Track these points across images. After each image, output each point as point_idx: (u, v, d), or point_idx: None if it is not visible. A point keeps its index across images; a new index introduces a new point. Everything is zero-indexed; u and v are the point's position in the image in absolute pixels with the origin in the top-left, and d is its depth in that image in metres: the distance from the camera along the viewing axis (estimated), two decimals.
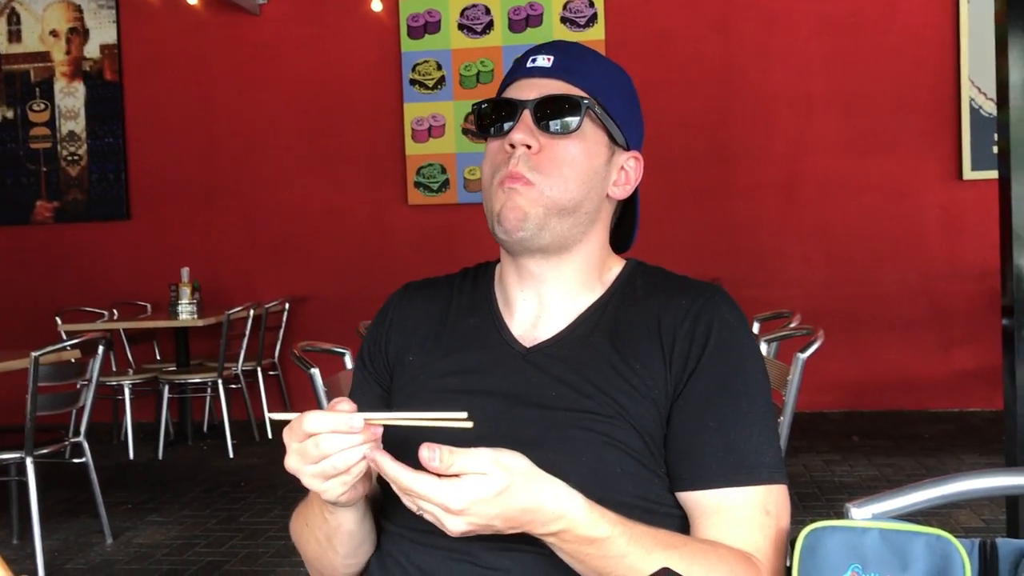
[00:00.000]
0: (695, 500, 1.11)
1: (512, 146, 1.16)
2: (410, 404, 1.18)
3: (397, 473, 0.94)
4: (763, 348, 2.21)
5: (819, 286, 5.99)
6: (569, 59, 1.20)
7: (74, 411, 4.00)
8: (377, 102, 6.35)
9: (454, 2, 6.23)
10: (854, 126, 5.96)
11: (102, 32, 6.58)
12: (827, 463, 4.84)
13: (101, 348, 3.81)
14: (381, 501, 1.18)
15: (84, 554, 3.89)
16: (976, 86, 5.79)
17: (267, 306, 5.94)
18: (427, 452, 0.92)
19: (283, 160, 6.46)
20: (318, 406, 1.84)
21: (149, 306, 6.36)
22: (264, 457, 5.42)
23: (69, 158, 6.65)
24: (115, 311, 6.21)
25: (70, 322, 5.77)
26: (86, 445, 3.88)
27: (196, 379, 5.61)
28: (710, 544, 1.07)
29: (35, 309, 6.37)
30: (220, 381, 5.51)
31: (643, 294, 1.21)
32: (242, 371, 5.74)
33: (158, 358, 6.37)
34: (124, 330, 6.17)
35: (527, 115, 1.17)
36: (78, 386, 3.86)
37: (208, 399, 6.11)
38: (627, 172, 1.23)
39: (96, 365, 3.80)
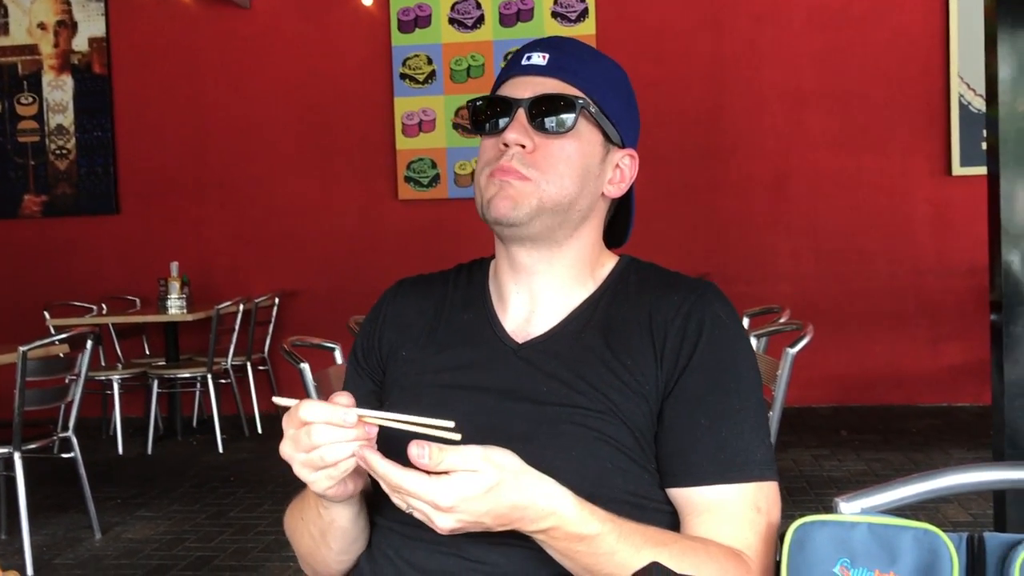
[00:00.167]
0: (686, 497, 1.11)
1: (506, 144, 1.16)
2: (403, 399, 1.18)
3: (386, 471, 0.94)
4: (753, 343, 2.22)
5: (809, 281, 6.01)
6: (564, 57, 1.20)
7: (62, 406, 3.98)
8: (367, 96, 6.33)
9: None
10: (844, 122, 5.98)
11: (91, 25, 6.55)
12: (816, 458, 4.86)
13: (90, 343, 3.80)
14: (372, 496, 1.18)
15: (73, 549, 3.88)
16: (965, 82, 5.81)
17: (257, 301, 5.92)
18: (416, 450, 0.92)
19: (273, 154, 6.44)
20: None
21: (138, 300, 6.34)
22: (254, 452, 5.41)
23: (57, 152, 6.61)
24: (104, 305, 6.19)
25: (58, 316, 5.74)
26: (74, 440, 3.87)
27: (185, 374, 5.60)
28: (700, 541, 1.07)
29: (23, 303, 6.33)
30: (209, 376, 5.50)
31: (636, 290, 1.21)
32: (232, 366, 5.72)
33: (147, 353, 6.35)
34: (113, 325, 6.15)
35: (521, 114, 1.16)
36: (66, 381, 3.85)
37: (197, 394, 6.09)
38: (622, 170, 1.23)
39: (85, 360, 3.79)
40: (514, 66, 1.21)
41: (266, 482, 4.75)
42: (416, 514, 0.96)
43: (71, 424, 3.86)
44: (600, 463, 1.10)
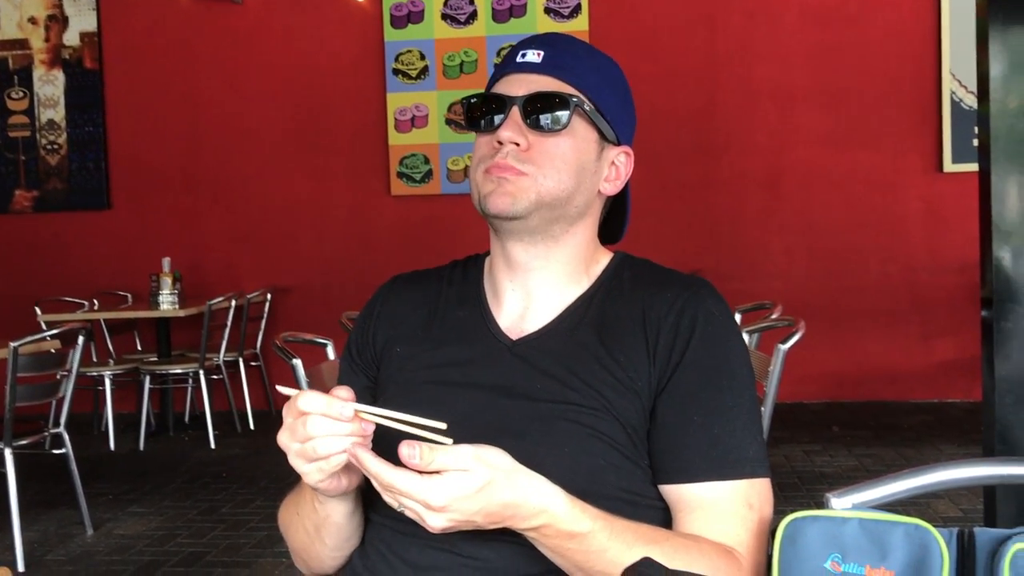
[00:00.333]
0: (678, 493, 1.11)
1: (500, 142, 1.16)
2: (397, 395, 1.18)
3: (378, 469, 0.95)
4: (745, 339, 2.22)
5: (801, 278, 6.02)
6: (559, 54, 1.19)
7: (54, 402, 3.97)
8: (360, 92, 6.32)
9: None
10: (836, 119, 5.99)
11: (82, 19, 6.52)
12: (808, 453, 4.87)
13: (81, 338, 3.78)
14: (366, 493, 1.18)
15: (64, 545, 3.87)
16: (957, 79, 5.83)
17: (249, 296, 5.91)
18: (407, 450, 0.93)
19: (265, 150, 6.42)
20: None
21: (130, 296, 6.32)
22: (246, 448, 5.40)
23: (48, 147, 6.59)
24: (95, 301, 6.17)
25: (50, 312, 5.72)
26: (66, 436, 3.86)
27: (177, 370, 5.58)
28: (692, 539, 1.07)
29: (14, 299, 6.30)
30: (202, 372, 5.49)
31: (629, 287, 1.21)
32: (224, 362, 5.71)
33: (139, 348, 6.34)
34: (105, 320, 6.13)
35: (516, 112, 1.16)
36: (58, 377, 3.84)
37: (189, 390, 6.08)
38: (618, 167, 1.23)
39: (76, 355, 3.78)
40: (509, 63, 1.21)
41: (258, 478, 4.74)
42: (408, 513, 0.96)
43: (62, 420, 3.85)
44: (593, 459, 1.10)
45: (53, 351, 3.85)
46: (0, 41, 6.61)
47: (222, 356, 5.66)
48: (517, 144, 1.15)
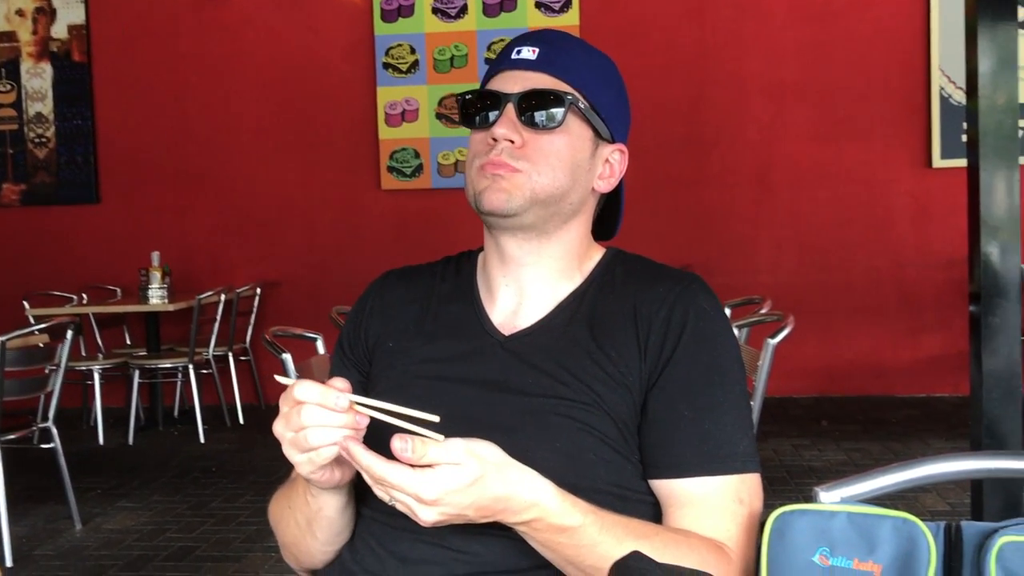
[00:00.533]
0: (669, 488, 1.12)
1: (495, 139, 1.16)
2: (389, 390, 1.18)
3: (370, 463, 0.95)
4: (735, 334, 2.23)
5: (790, 272, 6.03)
6: (555, 51, 1.19)
7: (42, 396, 3.95)
8: (350, 86, 6.30)
9: None
10: (826, 114, 6.00)
11: (70, 12, 6.48)
12: (796, 447, 4.89)
13: (70, 332, 3.77)
14: (357, 487, 1.18)
15: (53, 540, 3.86)
16: (946, 75, 5.85)
17: (238, 291, 5.90)
18: (400, 443, 0.93)
19: (255, 143, 6.40)
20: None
21: (119, 290, 6.30)
22: (235, 443, 5.39)
23: (36, 140, 6.55)
24: (84, 295, 6.15)
25: (38, 306, 5.69)
26: (54, 430, 3.84)
27: (167, 364, 5.57)
28: (682, 534, 1.08)
29: (2, 293, 6.27)
30: (191, 366, 5.47)
31: (621, 282, 1.22)
32: (213, 356, 5.70)
33: (128, 343, 6.31)
34: (93, 314, 6.11)
35: (510, 109, 1.16)
36: (46, 371, 3.82)
37: (179, 384, 6.06)
38: (612, 165, 1.23)
39: (65, 350, 3.76)
40: (504, 60, 1.21)
41: (248, 472, 4.74)
42: (399, 507, 0.96)
43: (51, 414, 3.83)
44: (584, 454, 1.10)
45: (41, 345, 3.84)
46: None
47: (211, 350, 5.65)
48: (512, 141, 1.15)
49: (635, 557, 0.85)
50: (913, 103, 5.92)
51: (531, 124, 1.16)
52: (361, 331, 1.28)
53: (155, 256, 5.71)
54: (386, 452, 0.94)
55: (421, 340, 1.23)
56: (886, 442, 4.96)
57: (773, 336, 2.07)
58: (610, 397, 1.12)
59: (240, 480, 4.62)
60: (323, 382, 1.00)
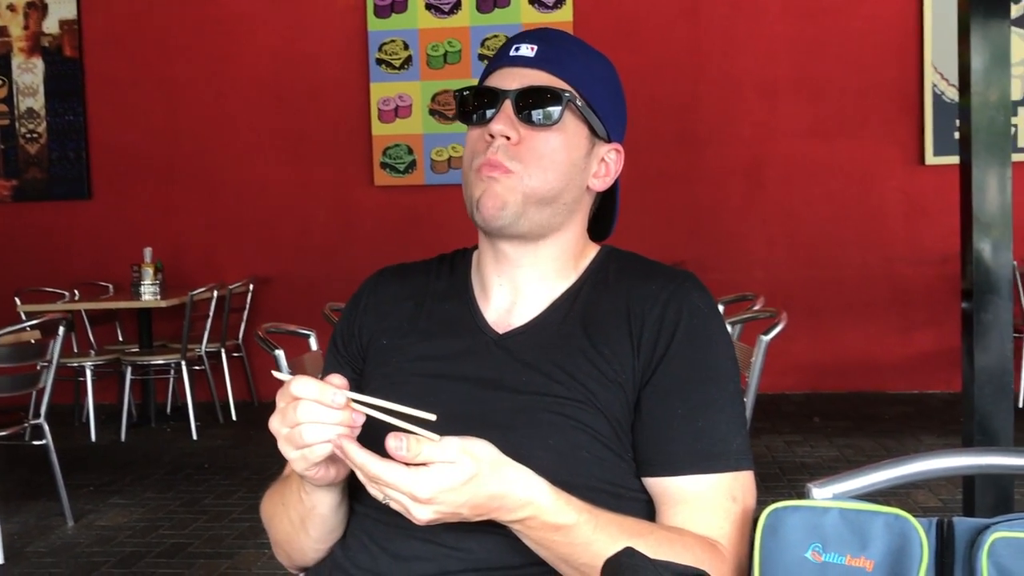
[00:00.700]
0: (662, 486, 1.12)
1: (492, 136, 1.16)
2: (383, 388, 1.18)
3: (364, 461, 0.94)
4: (728, 331, 2.23)
5: (783, 269, 6.04)
6: (553, 49, 1.20)
7: (34, 393, 3.94)
8: (343, 81, 6.29)
9: None
10: (819, 111, 6.01)
11: (61, 7, 6.45)
12: (789, 444, 4.90)
13: (62, 329, 3.76)
14: (350, 483, 1.18)
15: (45, 537, 3.85)
16: (939, 72, 5.86)
17: (231, 287, 5.88)
18: (394, 442, 0.93)
19: (248, 139, 6.39)
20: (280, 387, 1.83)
21: (111, 287, 6.28)
22: (228, 439, 5.38)
23: (28, 136, 6.53)
24: (76, 292, 6.12)
25: (30, 302, 5.68)
26: (46, 427, 3.83)
27: (159, 361, 5.56)
28: (676, 532, 1.08)
29: None
30: (183, 363, 5.46)
31: (615, 279, 1.22)
32: (206, 353, 5.68)
33: (120, 339, 6.30)
34: (85, 311, 6.09)
35: (508, 105, 1.16)
36: (38, 367, 3.81)
37: (171, 381, 6.05)
38: (607, 164, 1.24)
39: (56, 346, 3.75)
40: (502, 57, 1.21)
41: (240, 469, 4.73)
42: (393, 505, 0.96)
43: (43, 411, 3.82)
44: (577, 451, 1.10)
45: (33, 341, 3.82)
46: None
47: (204, 347, 5.64)
48: (508, 138, 1.16)
49: (628, 554, 0.86)
50: (906, 100, 5.93)
51: (528, 121, 1.16)
52: (355, 328, 1.28)
53: (147, 252, 5.70)
54: (380, 450, 0.94)
55: (415, 338, 1.23)
56: (878, 438, 4.97)
57: (766, 333, 2.07)
58: (603, 395, 1.13)
59: (233, 477, 4.61)
60: (319, 379, 1.00)
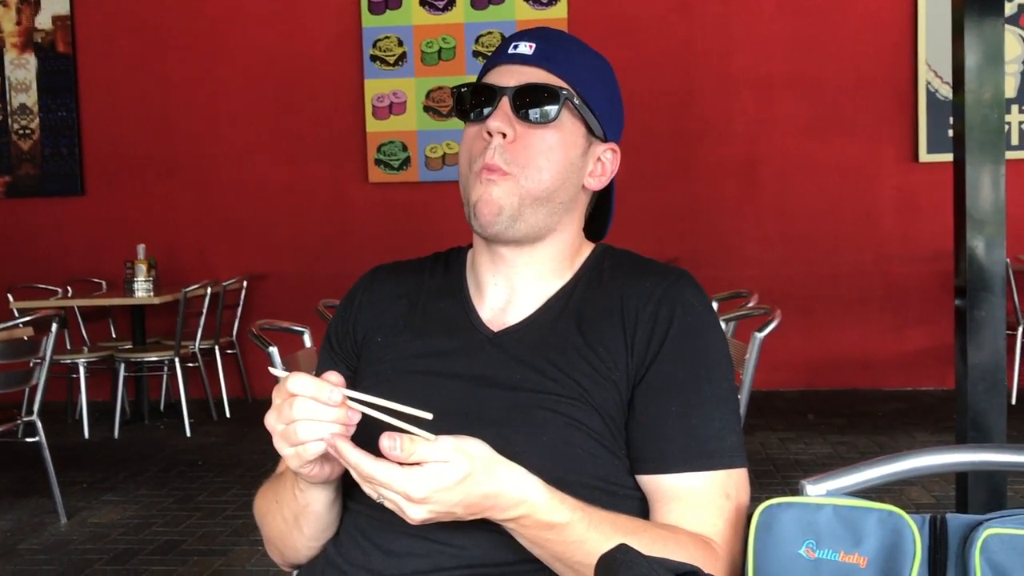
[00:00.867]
0: (656, 484, 1.12)
1: (489, 133, 1.16)
2: (377, 385, 1.18)
3: (358, 460, 0.94)
4: (722, 328, 2.23)
5: (777, 266, 6.05)
6: (551, 48, 1.20)
7: (27, 390, 3.93)
8: (337, 78, 6.28)
9: None
10: (813, 108, 6.02)
11: (54, 3, 6.43)
12: (782, 441, 4.91)
13: (55, 326, 3.74)
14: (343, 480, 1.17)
15: (37, 534, 3.84)
16: (933, 70, 5.87)
17: (225, 284, 5.87)
18: (388, 441, 0.93)
19: (241, 135, 6.37)
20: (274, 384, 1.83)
21: (104, 283, 6.26)
22: (222, 436, 5.37)
23: (21, 131, 6.50)
24: (69, 288, 6.11)
25: (22, 299, 5.66)
26: (39, 424, 3.82)
27: (152, 357, 5.54)
28: (669, 530, 1.08)
29: None
30: (177, 359, 5.45)
31: (609, 277, 1.22)
32: (199, 349, 5.67)
33: (113, 336, 6.28)
34: (78, 307, 6.07)
35: (505, 102, 1.17)
36: (31, 364, 3.80)
37: (165, 378, 6.04)
38: (603, 164, 1.24)
39: (49, 343, 3.74)
40: (500, 54, 1.22)
41: (234, 466, 4.72)
42: (387, 504, 0.96)
43: (36, 408, 3.81)
44: (571, 448, 1.10)
45: (26, 338, 3.81)
46: None
47: (198, 344, 5.63)
48: (505, 135, 1.16)
49: (622, 550, 0.86)
50: (900, 98, 5.94)
51: (525, 118, 1.17)
52: (349, 326, 1.28)
53: (141, 249, 5.69)
54: (374, 449, 0.94)
55: (410, 335, 1.23)
56: (872, 435, 4.98)
57: (760, 330, 2.07)
58: (597, 392, 1.13)
59: (226, 474, 4.61)
60: (326, 372, 1.00)
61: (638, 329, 1.15)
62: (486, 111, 1.18)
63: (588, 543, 1.01)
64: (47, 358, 3.75)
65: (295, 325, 2.32)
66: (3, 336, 3.68)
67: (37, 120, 6.49)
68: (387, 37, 6.21)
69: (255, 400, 6.18)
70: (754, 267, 6.02)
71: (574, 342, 1.16)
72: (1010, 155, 5.13)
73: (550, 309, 1.20)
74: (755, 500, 1.07)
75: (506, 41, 1.23)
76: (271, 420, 1.00)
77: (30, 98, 6.49)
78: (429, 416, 0.95)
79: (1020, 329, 5.35)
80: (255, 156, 6.37)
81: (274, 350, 2.01)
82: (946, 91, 5.81)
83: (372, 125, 6.25)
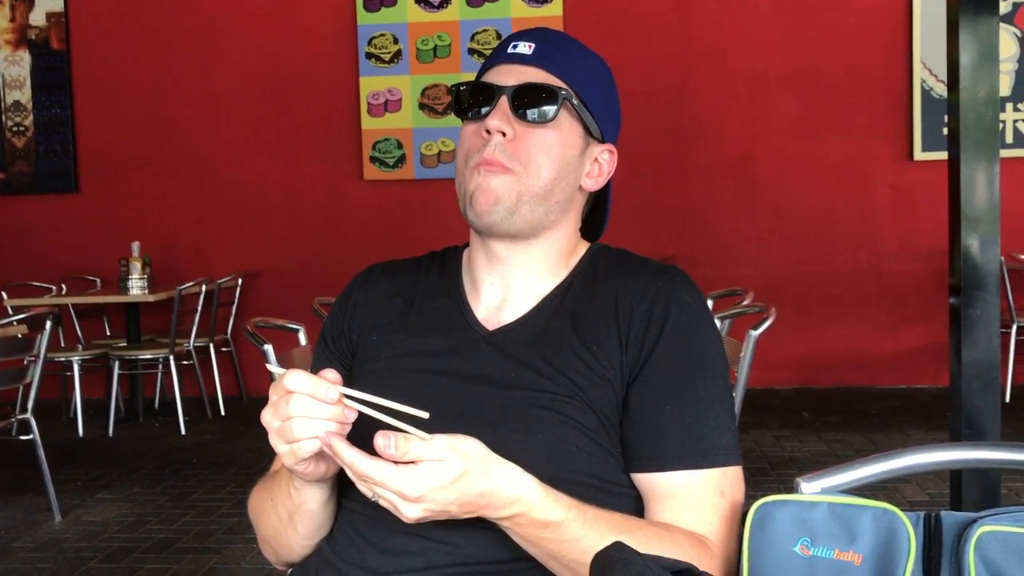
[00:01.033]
0: (650, 482, 1.12)
1: (488, 132, 1.16)
2: (372, 383, 1.18)
3: (353, 459, 0.94)
4: (717, 326, 2.23)
5: (772, 264, 6.06)
6: (550, 48, 1.20)
7: (21, 387, 3.92)
8: (333, 75, 6.27)
9: None
10: (808, 107, 6.02)
11: None
12: (777, 438, 4.92)
13: (49, 323, 3.74)
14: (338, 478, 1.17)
15: (32, 532, 3.83)
16: (928, 68, 5.87)
17: (220, 281, 5.87)
18: (383, 440, 0.92)
19: (236, 133, 6.36)
20: (270, 382, 1.83)
21: (99, 281, 6.25)
22: (217, 434, 5.37)
23: (15, 129, 6.49)
24: (64, 286, 6.10)
25: (16, 297, 5.65)
26: (33, 422, 3.82)
27: (147, 355, 5.53)
28: (664, 528, 1.08)
29: None
30: (172, 357, 5.44)
31: (604, 276, 1.22)
32: (194, 347, 5.67)
33: (108, 334, 6.27)
34: (73, 305, 6.06)
35: (504, 101, 1.17)
36: (25, 362, 3.79)
37: (159, 375, 6.03)
38: (601, 165, 1.24)
39: (44, 340, 3.73)
40: (500, 54, 1.22)
41: (229, 464, 4.72)
42: (382, 503, 0.96)
43: (30, 406, 3.80)
44: (566, 446, 1.10)
45: (20, 336, 3.80)
46: None
47: (192, 341, 5.62)
48: (504, 133, 1.16)
49: (617, 547, 0.86)
50: (895, 96, 5.95)
51: (524, 118, 1.17)
52: (344, 324, 1.28)
53: (135, 246, 5.67)
54: (370, 448, 0.94)
55: (405, 334, 1.23)
56: (867, 433, 4.99)
57: (755, 328, 2.08)
58: (591, 390, 1.13)
59: (221, 472, 4.60)
60: (323, 370, 1.00)
61: (632, 327, 1.15)
62: (484, 110, 1.18)
63: (583, 541, 1.01)
64: (41, 356, 3.74)
65: (290, 323, 2.32)
66: None
67: (31, 117, 6.47)
68: (382, 34, 6.20)
69: (250, 398, 6.17)
70: (749, 265, 6.02)
71: (569, 341, 1.16)
72: (1004, 153, 5.14)
73: (545, 308, 1.20)
74: (750, 498, 1.07)
75: (505, 41, 1.23)
76: (267, 416, 1.00)
77: (24, 95, 6.47)
78: (426, 415, 0.95)
79: (1014, 327, 5.36)
80: (250, 153, 6.36)
81: (269, 348, 2.01)
82: (941, 89, 5.82)
83: (367, 122, 6.24)
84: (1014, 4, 5.85)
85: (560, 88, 1.17)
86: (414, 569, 1.08)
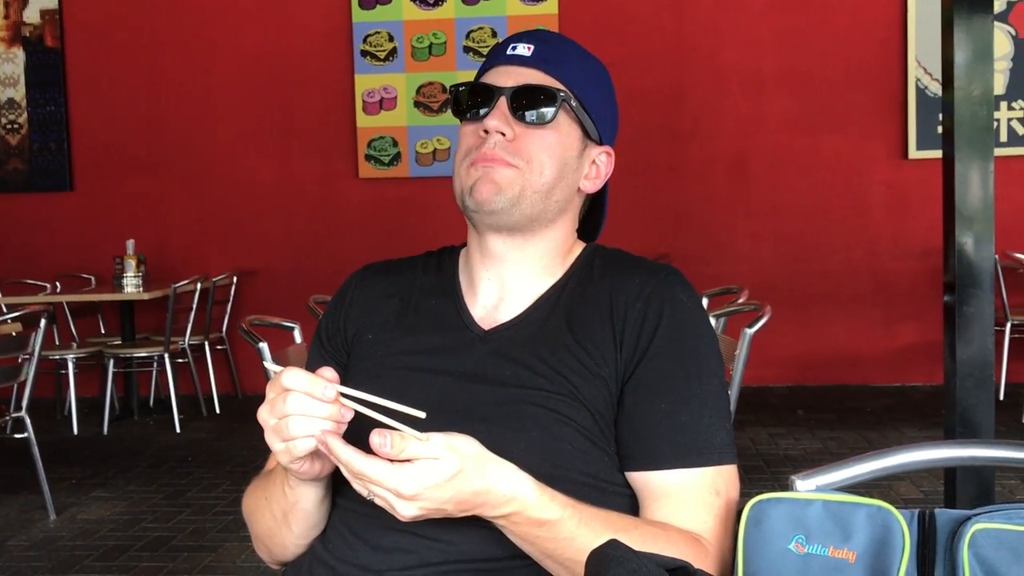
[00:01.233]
0: (645, 481, 1.12)
1: (486, 131, 1.16)
2: (366, 381, 1.18)
3: (349, 457, 0.94)
4: (712, 324, 2.24)
5: (767, 262, 6.07)
6: (549, 49, 1.21)
7: (15, 385, 3.91)
8: (327, 73, 6.26)
9: None
10: (803, 105, 6.03)
11: None
12: (772, 436, 4.92)
13: (43, 321, 3.73)
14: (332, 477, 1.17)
15: (26, 531, 3.83)
16: (923, 66, 5.88)
17: (215, 279, 5.86)
18: (378, 438, 0.92)
19: (231, 131, 6.35)
20: (266, 380, 1.83)
21: (93, 279, 6.24)
22: (212, 432, 5.36)
23: (9, 126, 6.47)
24: (58, 284, 6.09)
25: (11, 294, 5.63)
26: (28, 420, 3.81)
27: (142, 353, 5.52)
28: (660, 527, 1.08)
29: None
30: (166, 355, 5.43)
31: (599, 275, 1.23)
32: (189, 345, 5.66)
33: (103, 332, 6.26)
34: (67, 303, 6.05)
35: (503, 103, 1.17)
36: (19, 360, 3.78)
37: (154, 373, 6.02)
38: (598, 166, 1.25)
39: (38, 338, 3.73)
40: (499, 55, 1.22)
41: (224, 462, 4.71)
42: (378, 501, 0.96)
43: (24, 404, 3.80)
44: (560, 444, 1.10)
45: (14, 334, 3.79)
46: None
47: (187, 340, 5.61)
48: (503, 134, 1.16)
49: (612, 545, 0.86)
50: (890, 94, 5.96)
51: (522, 119, 1.17)
52: (340, 322, 1.28)
53: (130, 244, 5.67)
54: (365, 446, 0.94)
55: (401, 333, 1.23)
56: (861, 431, 5.00)
57: (750, 326, 2.08)
58: (586, 389, 1.13)
59: (216, 470, 4.60)
60: (321, 368, 1.00)
61: (627, 326, 1.15)
62: (483, 111, 1.18)
63: (578, 540, 1.01)
64: (36, 354, 3.74)
65: (285, 321, 2.32)
66: None
67: (25, 115, 6.45)
68: (377, 32, 6.19)
69: (245, 396, 6.16)
70: (744, 263, 6.03)
71: (564, 340, 1.16)
72: (999, 152, 5.13)
73: (541, 307, 1.21)
74: (745, 496, 1.07)
75: (504, 42, 1.24)
76: (263, 414, 1.00)
77: (18, 93, 6.45)
78: (423, 415, 0.95)
79: (1008, 325, 5.38)
80: (245, 151, 6.35)
81: (264, 346, 2.01)
82: (935, 88, 5.83)
83: (362, 120, 6.23)
84: (1008, 3, 5.86)
85: (559, 90, 1.18)
86: (407, 567, 1.08)
